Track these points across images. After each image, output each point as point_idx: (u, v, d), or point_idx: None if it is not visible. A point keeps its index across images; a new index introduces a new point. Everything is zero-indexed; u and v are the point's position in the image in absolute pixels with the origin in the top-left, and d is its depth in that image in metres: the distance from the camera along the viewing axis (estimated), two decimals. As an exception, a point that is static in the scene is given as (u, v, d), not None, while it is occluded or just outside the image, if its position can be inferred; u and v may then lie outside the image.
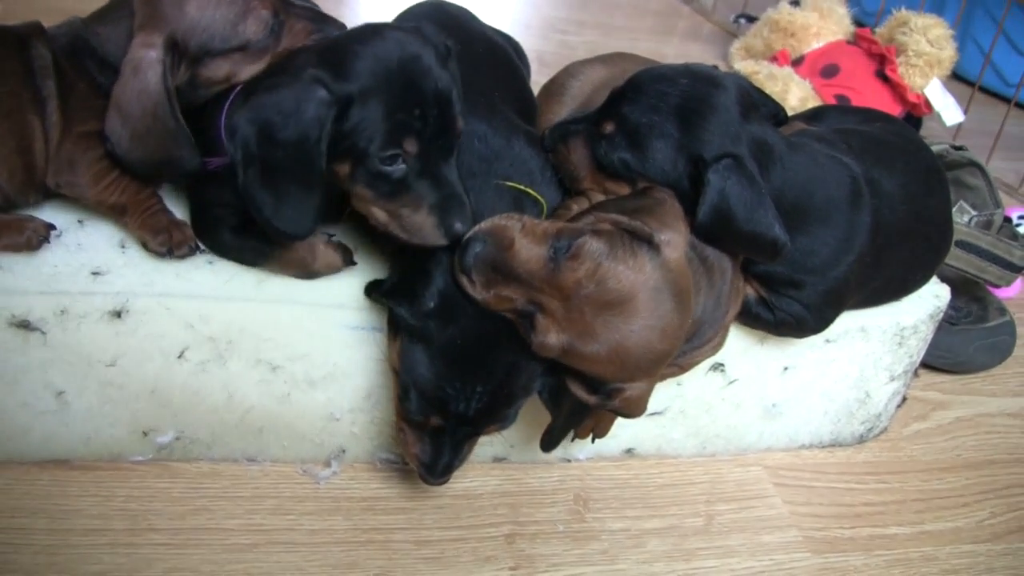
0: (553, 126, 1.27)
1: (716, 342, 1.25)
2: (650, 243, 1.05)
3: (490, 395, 1.11)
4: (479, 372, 1.10)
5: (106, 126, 1.12)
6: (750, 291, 1.28)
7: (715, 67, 1.26)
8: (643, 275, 1.03)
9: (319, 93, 1.05)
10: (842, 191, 1.26)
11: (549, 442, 1.20)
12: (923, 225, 1.38)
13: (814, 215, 1.24)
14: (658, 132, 1.17)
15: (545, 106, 1.60)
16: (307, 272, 1.22)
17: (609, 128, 1.20)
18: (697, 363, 1.26)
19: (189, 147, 1.15)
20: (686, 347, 1.18)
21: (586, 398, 1.10)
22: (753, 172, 1.15)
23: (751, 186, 1.14)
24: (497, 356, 1.10)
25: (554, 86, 1.65)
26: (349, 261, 1.25)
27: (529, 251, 1.06)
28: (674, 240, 1.08)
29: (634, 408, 1.10)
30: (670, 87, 1.18)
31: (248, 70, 1.18)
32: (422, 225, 1.10)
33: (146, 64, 1.10)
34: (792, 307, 1.27)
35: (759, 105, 1.25)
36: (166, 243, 1.19)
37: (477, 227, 1.09)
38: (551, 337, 1.04)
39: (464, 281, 1.08)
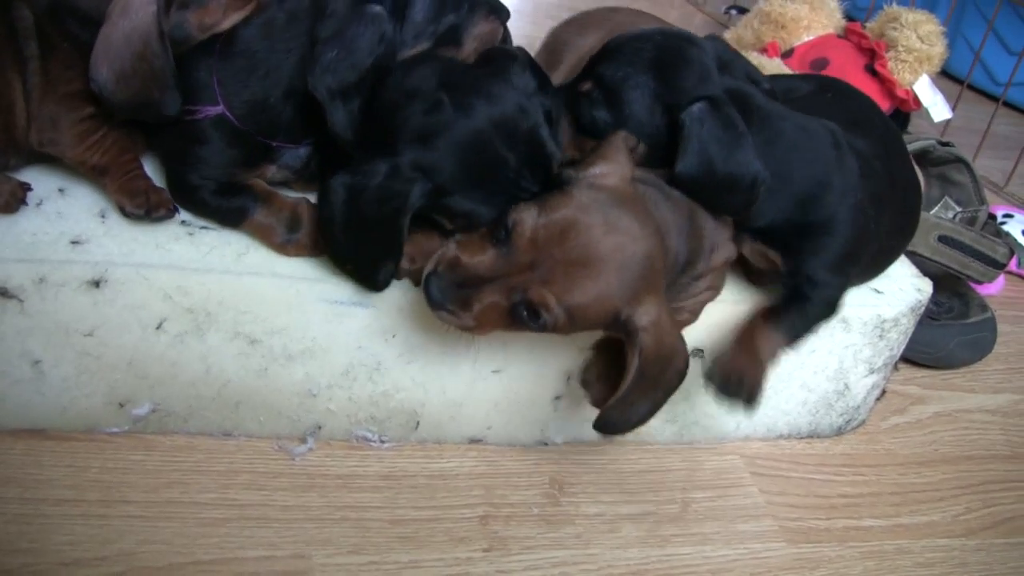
0: None
1: (713, 283, 1.26)
2: (574, 179, 1.10)
3: None
4: None
5: (91, 68, 1.10)
6: (768, 267, 1.30)
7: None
8: (575, 199, 1.07)
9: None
10: (825, 138, 1.28)
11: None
12: (898, 191, 1.41)
13: (804, 162, 1.25)
14: (633, 83, 1.20)
15: None
16: (285, 239, 1.21)
17: (587, 86, 1.23)
18: (702, 305, 1.27)
19: (173, 90, 1.12)
20: (683, 278, 1.19)
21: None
22: (730, 113, 1.17)
23: (726, 128, 1.16)
24: None
25: (551, 58, 1.65)
26: None
27: (475, 254, 1.08)
28: (607, 170, 1.11)
29: (661, 338, 1.08)
30: (645, 43, 1.22)
31: (234, 16, 1.14)
32: None
33: (138, 4, 1.08)
34: (810, 266, 1.27)
35: (734, 63, 1.28)
36: (143, 205, 1.18)
37: (423, 274, 1.10)
38: (552, 305, 1.04)
39: (446, 317, 1.09)
